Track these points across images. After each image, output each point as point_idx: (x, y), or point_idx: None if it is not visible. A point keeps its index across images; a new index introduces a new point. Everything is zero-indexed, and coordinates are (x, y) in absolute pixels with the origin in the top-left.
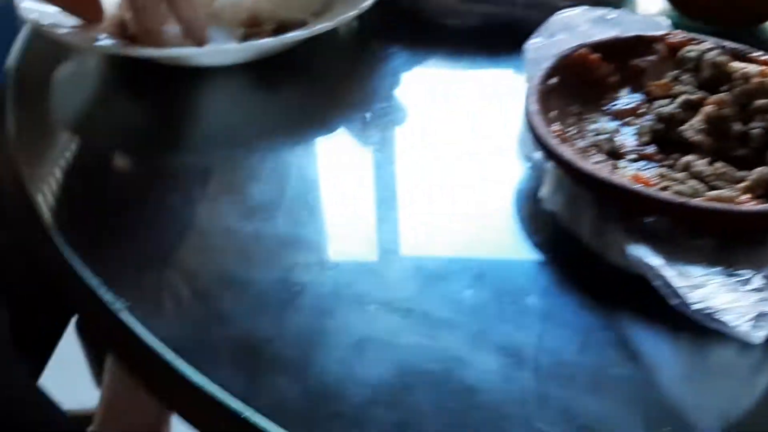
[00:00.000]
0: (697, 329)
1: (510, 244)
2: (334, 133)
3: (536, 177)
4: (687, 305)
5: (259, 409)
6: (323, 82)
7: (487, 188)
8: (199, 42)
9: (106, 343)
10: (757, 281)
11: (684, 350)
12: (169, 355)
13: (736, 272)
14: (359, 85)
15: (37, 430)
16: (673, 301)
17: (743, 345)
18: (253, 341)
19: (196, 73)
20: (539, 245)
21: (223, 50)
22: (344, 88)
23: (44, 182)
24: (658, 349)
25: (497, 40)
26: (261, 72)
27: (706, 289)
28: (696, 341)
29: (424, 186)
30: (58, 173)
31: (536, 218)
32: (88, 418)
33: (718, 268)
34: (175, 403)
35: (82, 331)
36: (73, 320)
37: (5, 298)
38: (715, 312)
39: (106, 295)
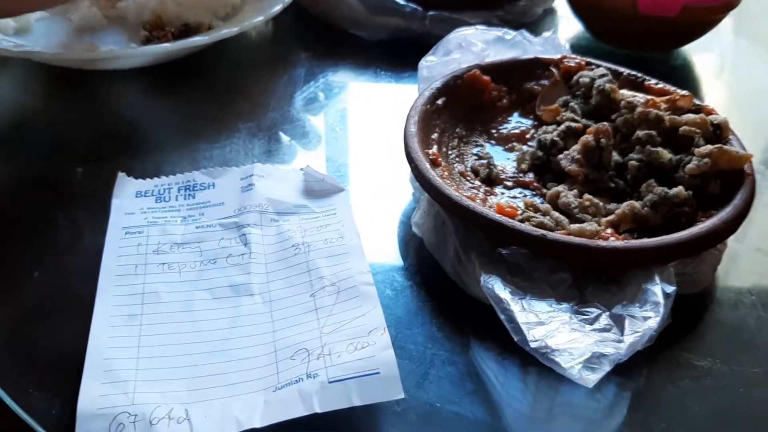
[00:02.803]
0: (548, 367)
1: (380, 264)
2: (221, 142)
3: (418, 201)
4: (527, 342)
5: None
6: (227, 88)
7: (378, 207)
8: None
9: None
10: (603, 321)
11: (531, 389)
12: None
13: (584, 310)
14: (262, 91)
15: None
16: (516, 337)
17: (596, 386)
18: None
19: (97, 75)
20: (404, 269)
21: (118, 54)
22: (247, 94)
23: None
24: (504, 387)
25: (403, 53)
26: (166, 74)
27: (548, 326)
28: (545, 379)
29: None
30: None
31: (408, 241)
32: None
33: (567, 305)
34: None
35: None
36: None
37: None
38: (551, 351)
39: None
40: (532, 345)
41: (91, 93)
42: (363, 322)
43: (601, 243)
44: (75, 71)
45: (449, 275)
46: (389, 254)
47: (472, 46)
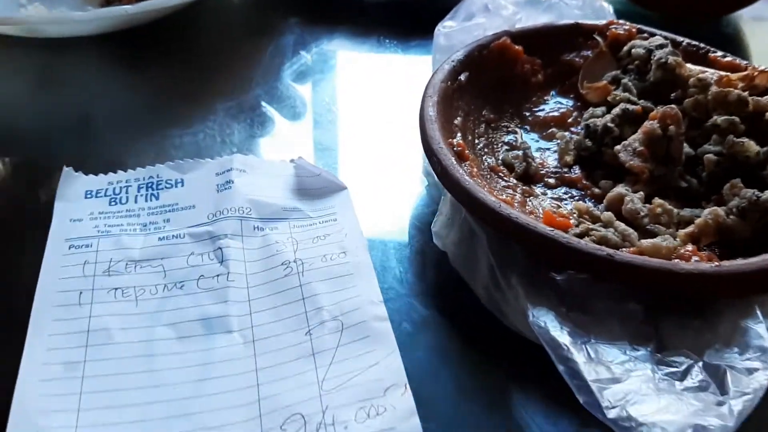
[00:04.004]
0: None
1: (392, 287)
2: (193, 127)
3: (434, 201)
4: (599, 408)
5: None
6: (203, 59)
7: (387, 210)
8: None
9: None
10: (696, 375)
11: None
12: None
13: (669, 360)
14: (243, 63)
15: None
16: (582, 398)
17: None
18: None
19: (47, 46)
20: (424, 293)
21: (70, 18)
22: (226, 67)
23: None
24: None
25: (412, 17)
26: (128, 44)
27: (626, 384)
28: None
29: None
30: None
31: (427, 256)
32: None
33: (645, 351)
34: None
35: None
36: None
37: None
38: (637, 426)
39: None
40: (609, 414)
41: (39, 67)
42: (377, 374)
43: (685, 266)
44: (20, 40)
45: (482, 302)
46: (404, 273)
47: (501, 8)
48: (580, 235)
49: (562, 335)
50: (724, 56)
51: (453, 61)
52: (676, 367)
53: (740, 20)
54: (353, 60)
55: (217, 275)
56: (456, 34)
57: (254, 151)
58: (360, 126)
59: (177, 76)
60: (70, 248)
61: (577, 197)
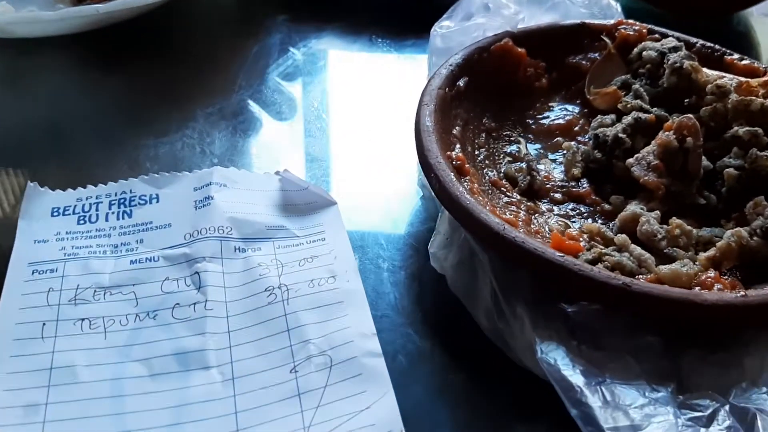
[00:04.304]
0: None
1: (386, 315)
2: (170, 136)
3: (431, 216)
4: None
5: None
6: (182, 61)
7: (380, 227)
8: None
9: None
10: (723, 420)
11: None
12: None
13: (692, 403)
14: (225, 65)
15: None
16: None
17: None
18: None
19: (14, 48)
20: (421, 322)
21: (38, 18)
22: (207, 69)
23: None
24: None
25: (406, 16)
26: (102, 46)
27: None
28: None
29: None
30: None
31: (424, 280)
32: None
33: (666, 392)
34: None
35: None
36: None
37: None
38: None
39: None
40: None
41: (4, 70)
42: (369, 419)
43: (708, 296)
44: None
45: (485, 332)
46: (398, 299)
47: (502, 7)
48: (593, 261)
49: (574, 375)
50: (741, 59)
51: (450, 65)
52: (701, 410)
53: (751, 17)
54: (344, 60)
55: (194, 303)
56: (454, 35)
57: (236, 163)
58: (351, 133)
59: (153, 79)
60: (33, 273)
61: (585, 214)
